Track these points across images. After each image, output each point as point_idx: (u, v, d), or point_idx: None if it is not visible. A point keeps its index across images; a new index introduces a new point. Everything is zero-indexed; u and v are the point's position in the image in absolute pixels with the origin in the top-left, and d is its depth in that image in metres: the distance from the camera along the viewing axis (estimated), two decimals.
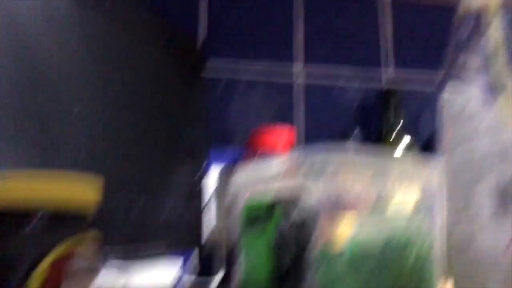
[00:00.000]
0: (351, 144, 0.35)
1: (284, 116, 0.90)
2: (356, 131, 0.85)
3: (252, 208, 0.36)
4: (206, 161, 0.62)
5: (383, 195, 0.35)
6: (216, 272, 0.64)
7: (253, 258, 0.35)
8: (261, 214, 0.35)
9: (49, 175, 0.28)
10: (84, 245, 0.28)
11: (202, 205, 0.59)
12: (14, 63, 0.39)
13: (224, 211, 0.67)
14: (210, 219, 0.60)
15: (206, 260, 0.72)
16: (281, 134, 0.74)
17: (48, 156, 0.41)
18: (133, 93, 0.52)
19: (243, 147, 0.80)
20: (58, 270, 0.27)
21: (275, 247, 0.33)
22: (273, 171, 0.35)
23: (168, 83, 0.59)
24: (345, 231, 0.37)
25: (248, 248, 0.36)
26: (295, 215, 0.32)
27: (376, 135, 0.87)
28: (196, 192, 0.60)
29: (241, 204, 0.38)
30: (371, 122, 0.91)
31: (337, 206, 0.35)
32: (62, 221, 0.28)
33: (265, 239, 0.34)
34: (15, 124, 0.39)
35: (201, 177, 0.60)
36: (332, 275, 0.30)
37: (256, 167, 0.38)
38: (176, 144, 0.58)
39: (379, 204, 0.36)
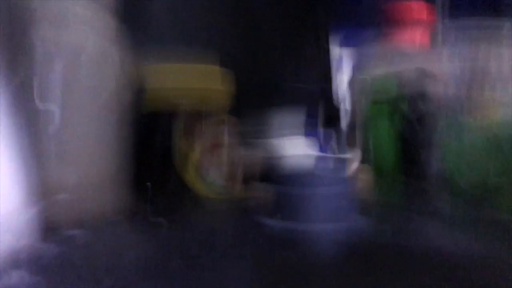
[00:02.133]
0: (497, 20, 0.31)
1: None
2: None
3: (379, 86, 0.36)
4: (338, 42, 0.61)
5: None
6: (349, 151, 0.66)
7: (380, 141, 0.36)
8: (386, 92, 0.34)
9: (187, 68, 0.32)
10: (224, 131, 0.32)
11: (334, 88, 0.59)
12: None
13: (356, 94, 0.66)
14: (342, 102, 0.60)
15: (341, 139, 0.74)
16: (418, 9, 0.68)
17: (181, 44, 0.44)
18: None
19: (375, 27, 0.76)
20: (205, 147, 0.31)
21: (399, 123, 0.33)
22: (401, 50, 0.34)
23: None
24: (484, 107, 0.35)
25: (375, 125, 0.36)
26: (421, 91, 0.31)
27: None
28: (328, 75, 0.60)
29: (369, 86, 0.38)
30: None
31: (478, 82, 0.33)
32: (203, 114, 0.32)
33: (390, 115, 0.34)
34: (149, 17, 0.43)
35: (331, 58, 0.60)
36: (462, 148, 0.29)
37: (382, 46, 0.37)
38: (304, 25, 0.58)
39: None
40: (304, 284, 0.11)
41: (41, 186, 0.27)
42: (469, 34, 0.30)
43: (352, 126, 0.68)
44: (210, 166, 0.31)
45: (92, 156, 0.29)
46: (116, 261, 0.14)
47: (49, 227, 0.26)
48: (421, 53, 0.32)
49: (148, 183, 0.32)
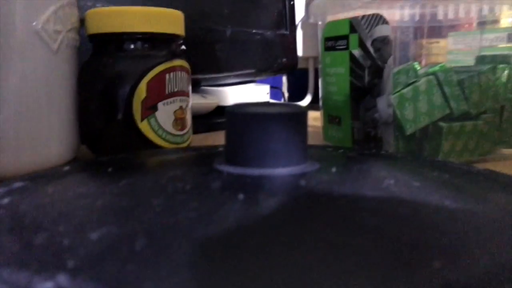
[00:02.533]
0: None
1: None
2: None
3: (332, 31, 0.36)
4: None
5: (483, 17, 0.33)
6: (303, 98, 0.67)
7: (333, 79, 0.36)
8: (340, 37, 0.34)
9: (136, 10, 0.30)
10: (175, 71, 0.31)
11: (290, 33, 0.59)
12: None
13: (310, 38, 0.66)
14: (298, 47, 0.60)
15: (295, 86, 0.75)
16: None
17: None
18: None
19: None
20: (154, 90, 0.30)
21: (353, 68, 0.33)
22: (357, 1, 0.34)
23: None
24: (436, 55, 0.36)
25: (329, 70, 0.37)
26: (375, 36, 0.31)
27: None
28: (283, 21, 0.59)
29: (322, 28, 0.38)
30: None
31: (427, 30, 0.33)
32: (154, 46, 0.31)
33: (344, 61, 0.34)
34: None
35: (286, 4, 0.59)
36: (411, 94, 0.30)
37: None
38: None
39: (479, 27, 0.34)
40: (255, 228, 0.12)
41: None
42: None
43: (304, 72, 0.69)
44: (161, 112, 0.30)
45: (35, 103, 0.27)
46: (66, 210, 0.14)
47: None
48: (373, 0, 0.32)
49: (96, 130, 0.31)
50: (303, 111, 0.16)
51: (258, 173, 0.15)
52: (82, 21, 0.31)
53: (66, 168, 0.21)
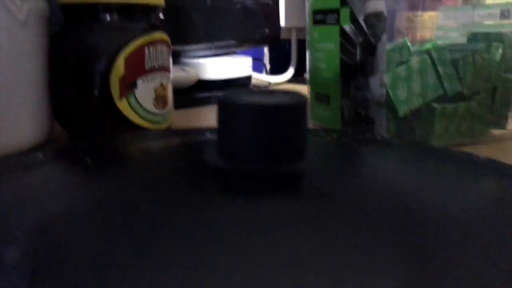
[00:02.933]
0: None
1: None
2: None
3: (321, 4, 0.34)
4: None
5: None
6: (285, 70, 0.65)
7: (322, 55, 0.34)
8: (330, 11, 0.33)
9: None
10: (154, 44, 0.29)
11: (272, 2, 0.56)
12: None
13: (294, 7, 0.64)
14: (280, 17, 0.58)
15: (278, 58, 0.72)
16: None
17: None
18: None
19: None
20: (133, 66, 0.28)
21: (344, 44, 0.31)
22: None
23: None
24: (425, 29, 0.34)
25: (318, 45, 0.35)
26: (368, 11, 0.29)
27: None
28: None
29: (310, 0, 0.36)
30: None
31: (416, 2, 0.32)
32: (132, 18, 0.28)
33: (334, 36, 0.32)
34: None
35: None
36: (404, 74, 0.29)
37: None
38: None
39: (466, 2, 0.33)
40: (250, 228, 0.10)
41: None
42: None
43: (287, 43, 0.67)
44: (141, 90, 0.28)
45: (1, 79, 0.25)
46: (43, 198, 0.12)
47: None
48: None
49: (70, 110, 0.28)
50: (304, 102, 0.15)
51: (256, 170, 0.14)
52: None
53: (39, 156, 0.19)
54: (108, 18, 0.28)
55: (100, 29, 0.28)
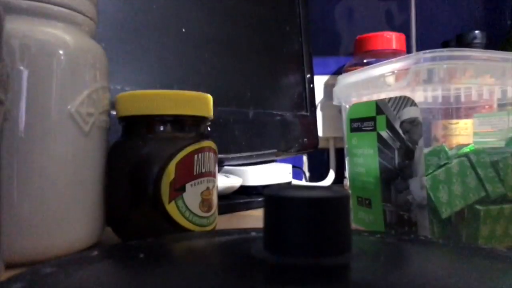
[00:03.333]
0: (468, 49, 0.33)
1: (392, 21, 0.84)
2: (478, 34, 0.77)
3: (358, 113, 0.36)
4: (310, 71, 0.62)
5: (504, 99, 0.33)
6: (323, 178, 0.66)
7: (361, 160, 0.36)
8: (367, 119, 0.34)
9: (166, 93, 0.31)
10: (203, 151, 0.31)
11: (310, 114, 0.59)
12: None
13: (330, 118, 0.67)
14: (317, 127, 0.61)
15: (316, 166, 0.74)
16: (389, 40, 0.70)
17: (162, 77, 0.44)
18: (233, 8, 0.53)
19: (348, 56, 0.77)
20: (183, 171, 0.30)
21: (382, 149, 0.33)
22: (379, 77, 0.34)
23: None
24: (461, 136, 0.35)
25: (356, 151, 0.36)
26: (404, 117, 0.31)
27: (504, 38, 0.78)
28: (303, 102, 0.60)
29: (346, 110, 0.38)
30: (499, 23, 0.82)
31: (451, 111, 0.33)
32: (183, 128, 0.31)
33: (372, 142, 0.34)
34: (133, 50, 0.42)
35: (306, 87, 0.60)
36: (444, 176, 0.29)
37: (361, 73, 0.37)
38: (278, 56, 0.58)
39: (501, 108, 0.34)
40: None
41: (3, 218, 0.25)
42: (441, 64, 0.30)
43: (324, 152, 0.69)
44: (189, 193, 0.30)
45: (63, 185, 0.27)
46: None
47: (18, 265, 0.24)
48: (398, 83, 0.33)
49: (123, 213, 0.30)
50: (346, 195, 0.16)
51: (302, 263, 0.15)
52: (112, 104, 0.32)
53: (95, 253, 0.20)
54: (161, 128, 0.30)
55: (154, 139, 0.30)
